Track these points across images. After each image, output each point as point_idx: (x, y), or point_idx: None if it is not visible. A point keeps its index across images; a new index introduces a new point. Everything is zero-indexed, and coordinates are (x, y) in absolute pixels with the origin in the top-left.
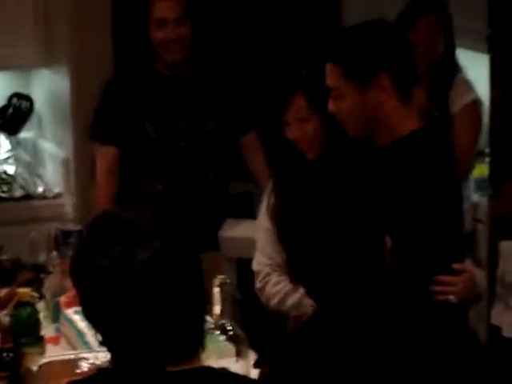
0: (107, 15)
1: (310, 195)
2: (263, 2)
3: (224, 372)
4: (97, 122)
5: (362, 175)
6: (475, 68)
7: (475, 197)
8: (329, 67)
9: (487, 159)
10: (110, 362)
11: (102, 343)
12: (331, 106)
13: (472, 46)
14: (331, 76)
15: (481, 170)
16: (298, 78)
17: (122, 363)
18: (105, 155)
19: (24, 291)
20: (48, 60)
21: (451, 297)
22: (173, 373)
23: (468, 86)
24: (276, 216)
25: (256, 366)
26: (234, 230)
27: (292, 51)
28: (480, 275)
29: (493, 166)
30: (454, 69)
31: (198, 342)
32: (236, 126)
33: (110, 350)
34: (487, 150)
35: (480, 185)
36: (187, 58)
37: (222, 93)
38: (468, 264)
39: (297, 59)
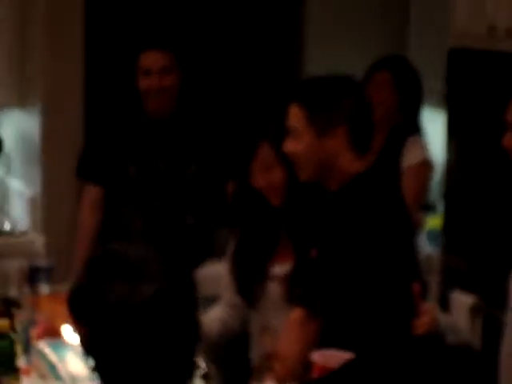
0: (79, 56)
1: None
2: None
3: None
4: (82, 160)
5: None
6: (433, 124)
7: (428, 249)
8: (293, 108)
9: (439, 212)
10: None
11: (94, 370)
12: (288, 146)
13: (431, 103)
14: (294, 117)
15: (434, 222)
16: (265, 127)
17: None
18: (88, 193)
19: (3, 323)
20: (20, 100)
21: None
22: None
23: (421, 147)
24: (233, 263)
25: None
26: (212, 268)
27: (258, 102)
28: (442, 317)
29: (446, 220)
30: (411, 128)
31: (188, 377)
32: (220, 173)
33: (102, 378)
34: (439, 204)
35: (433, 237)
36: (172, 105)
37: (205, 139)
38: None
39: (261, 110)
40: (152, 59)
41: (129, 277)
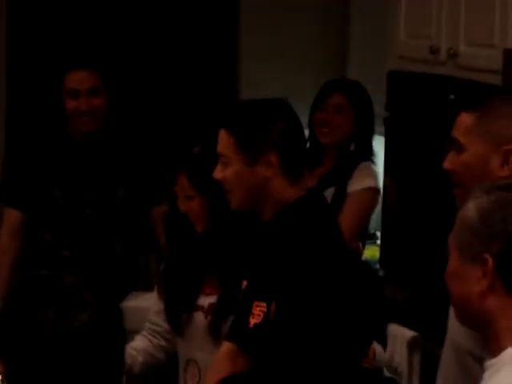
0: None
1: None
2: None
3: None
4: (2, 183)
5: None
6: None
7: None
8: (223, 134)
9: (378, 241)
10: None
11: None
12: (217, 173)
13: None
14: (223, 143)
15: (372, 251)
16: (185, 155)
17: None
18: (8, 218)
19: None
20: None
21: None
22: None
23: (370, 173)
24: (161, 290)
25: None
26: (136, 301)
27: (188, 125)
28: (378, 348)
29: (383, 249)
30: (364, 154)
31: None
32: (146, 198)
33: None
34: (378, 233)
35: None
36: (99, 127)
37: (133, 163)
38: None
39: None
40: (79, 80)
41: (60, 304)
